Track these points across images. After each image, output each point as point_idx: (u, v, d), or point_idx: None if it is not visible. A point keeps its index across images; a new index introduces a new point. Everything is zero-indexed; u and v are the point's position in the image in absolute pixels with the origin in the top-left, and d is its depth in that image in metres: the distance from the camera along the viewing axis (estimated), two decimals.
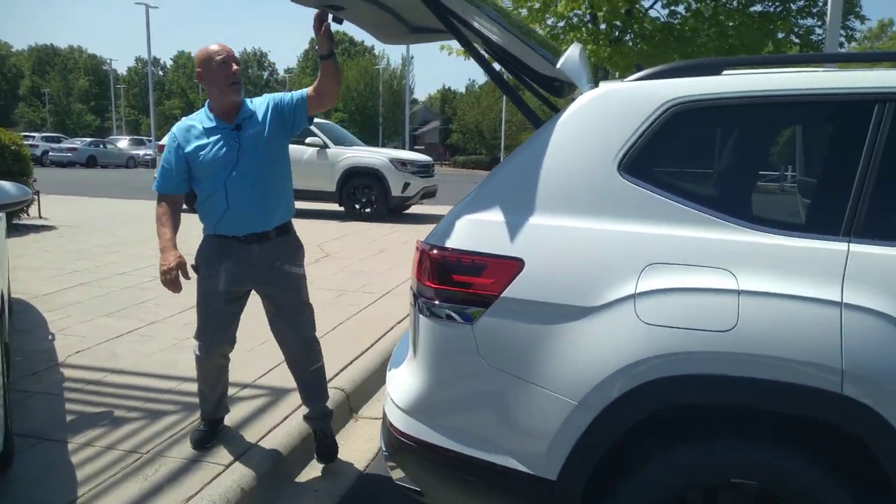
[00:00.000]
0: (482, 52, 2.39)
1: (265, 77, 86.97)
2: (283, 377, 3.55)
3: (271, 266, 2.98)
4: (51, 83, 78.37)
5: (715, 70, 2.06)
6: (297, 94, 2.99)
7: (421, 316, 2.12)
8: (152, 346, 4.46)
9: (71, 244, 8.52)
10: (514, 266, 1.98)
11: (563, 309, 1.91)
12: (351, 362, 4.29)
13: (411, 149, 36.47)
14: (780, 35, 12.41)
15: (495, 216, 2.05)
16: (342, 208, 12.23)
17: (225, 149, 2.87)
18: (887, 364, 1.70)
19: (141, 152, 37.37)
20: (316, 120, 12.70)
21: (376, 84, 60.99)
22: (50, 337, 4.60)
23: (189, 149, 2.88)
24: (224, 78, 2.84)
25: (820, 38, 11.66)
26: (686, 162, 2.09)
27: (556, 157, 2.04)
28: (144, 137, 44.35)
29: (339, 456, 3.33)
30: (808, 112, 1.96)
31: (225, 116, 2.92)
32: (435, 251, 2.08)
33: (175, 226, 2.92)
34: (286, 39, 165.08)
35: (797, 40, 12.90)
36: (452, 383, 2.07)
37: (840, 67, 2.22)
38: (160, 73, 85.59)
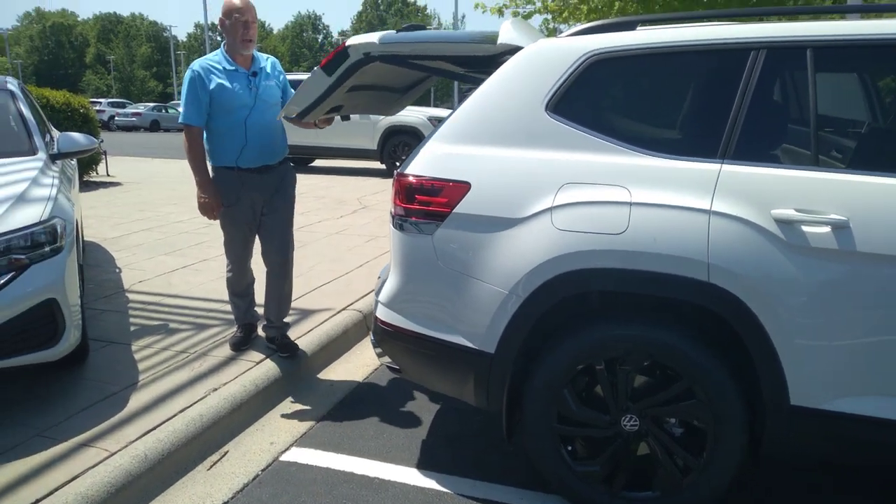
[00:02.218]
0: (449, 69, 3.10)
1: (320, 40, 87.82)
2: (310, 301, 4.18)
3: (277, 190, 3.56)
4: (115, 50, 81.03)
5: (630, 26, 2.53)
6: None
7: (395, 230, 2.68)
8: (202, 277, 5.17)
9: (135, 198, 9.38)
10: (463, 188, 2.51)
11: (500, 220, 2.44)
12: (371, 291, 4.89)
13: None
14: None
15: (450, 148, 2.58)
16: (384, 166, 12.83)
17: (244, 91, 3.39)
18: (745, 257, 2.18)
19: None
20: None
21: None
22: (117, 270, 5.37)
23: (212, 86, 3.35)
24: (241, 35, 3.36)
25: None
26: (601, 102, 2.54)
27: (497, 100, 2.56)
28: None
29: (353, 362, 3.97)
30: (697, 58, 2.40)
31: (243, 63, 3.44)
32: (404, 178, 2.63)
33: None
34: (340, 2, 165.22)
35: None
36: (418, 281, 2.64)
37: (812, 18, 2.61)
38: (218, 38, 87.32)
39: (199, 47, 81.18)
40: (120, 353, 3.67)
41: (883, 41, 2.19)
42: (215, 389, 3.24)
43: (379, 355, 2.92)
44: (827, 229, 2.11)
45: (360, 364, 3.96)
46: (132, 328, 4.06)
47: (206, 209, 3.49)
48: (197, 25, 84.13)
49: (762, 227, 2.16)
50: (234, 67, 3.42)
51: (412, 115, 12.72)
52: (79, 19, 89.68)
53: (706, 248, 2.19)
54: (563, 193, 2.37)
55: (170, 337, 3.92)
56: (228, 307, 4.38)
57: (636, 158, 2.34)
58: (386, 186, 11.06)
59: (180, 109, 3.44)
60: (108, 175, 11.72)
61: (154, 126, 35.81)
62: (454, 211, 2.51)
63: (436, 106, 45.34)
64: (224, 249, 3.71)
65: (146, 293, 4.77)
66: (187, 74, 3.40)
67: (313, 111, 3.17)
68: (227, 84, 3.38)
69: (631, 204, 2.28)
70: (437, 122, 12.46)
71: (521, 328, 2.42)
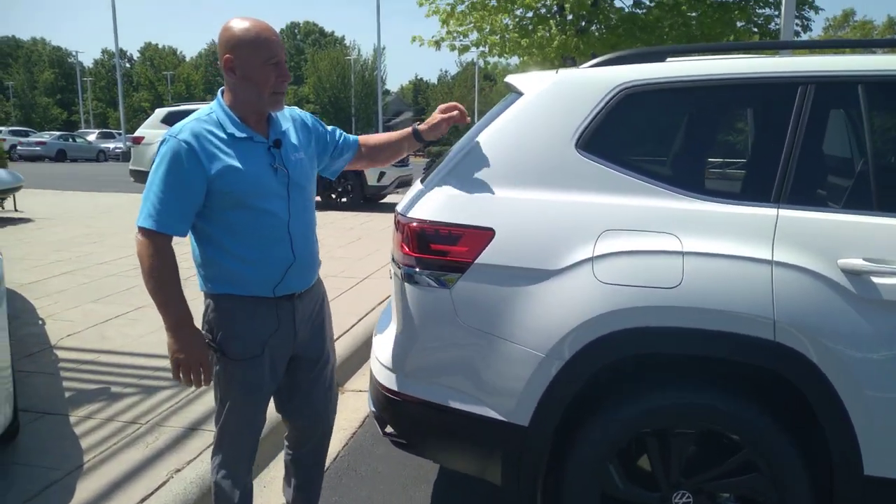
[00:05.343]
0: None
1: None
2: None
3: (316, 324, 2.29)
4: (14, 76, 76.77)
5: (660, 57, 2.31)
6: (346, 136, 2.41)
7: (401, 282, 2.33)
8: (141, 328, 4.62)
9: (49, 235, 8.58)
10: (486, 235, 2.20)
11: (531, 272, 2.14)
12: (335, 339, 4.48)
13: None
14: (740, 24, 12.88)
15: (468, 190, 2.27)
16: (319, 198, 12.37)
17: (267, 174, 2.02)
18: (813, 313, 1.96)
19: (111, 145, 37.15)
20: None
21: (348, 75, 60.92)
22: (40, 322, 4.74)
23: (214, 170, 1.93)
24: (272, 83, 2.00)
25: (778, 26, 12.13)
26: (636, 138, 2.32)
27: (520, 136, 2.28)
28: (114, 131, 44.12)
29: None
30: (742, 93, 2.21)
31: (256, 125, 2.05)
32: (414, 223, 2.30)
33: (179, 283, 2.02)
34: None
35: (756, 29, 13.38)
36: (433, 342, 2.29)
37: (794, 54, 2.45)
38: (128, 65, 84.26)
39: (106, 74, 78.00)
40: (57, 426, 3.14)
41: None
42: (178, 470, 2.77)
43: (382, 427, 2.54)
44: None
45: (337, 428, 3.54)
46: (67, 394, 3.52)
47: (189, 369, 2.01)
48: (105, 51, 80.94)
49: (829, 279, 1.96)
50: (246, 135, 2.01)
51: None
52: None
53: (772, 304, 1.96)
54: (605, 242, 2.09)
55: (114, 403, 3.40)
56: None
57: (683, 202, 2.10)
58: (324, 220, 10.62)
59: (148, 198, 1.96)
60: (16, 210, 10.74)
61: (60, 156, 33.81)
62: (476, 261, 2.19)
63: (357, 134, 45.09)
64: (217, 436, 2.19)
65: (78, 349, 4.20)
66: (165, 147, 1.94)
67: None
68: (238, 164, 1.96)
69: (683, 254, 2.03)
70: None
71: (561, 396, 2.12)
